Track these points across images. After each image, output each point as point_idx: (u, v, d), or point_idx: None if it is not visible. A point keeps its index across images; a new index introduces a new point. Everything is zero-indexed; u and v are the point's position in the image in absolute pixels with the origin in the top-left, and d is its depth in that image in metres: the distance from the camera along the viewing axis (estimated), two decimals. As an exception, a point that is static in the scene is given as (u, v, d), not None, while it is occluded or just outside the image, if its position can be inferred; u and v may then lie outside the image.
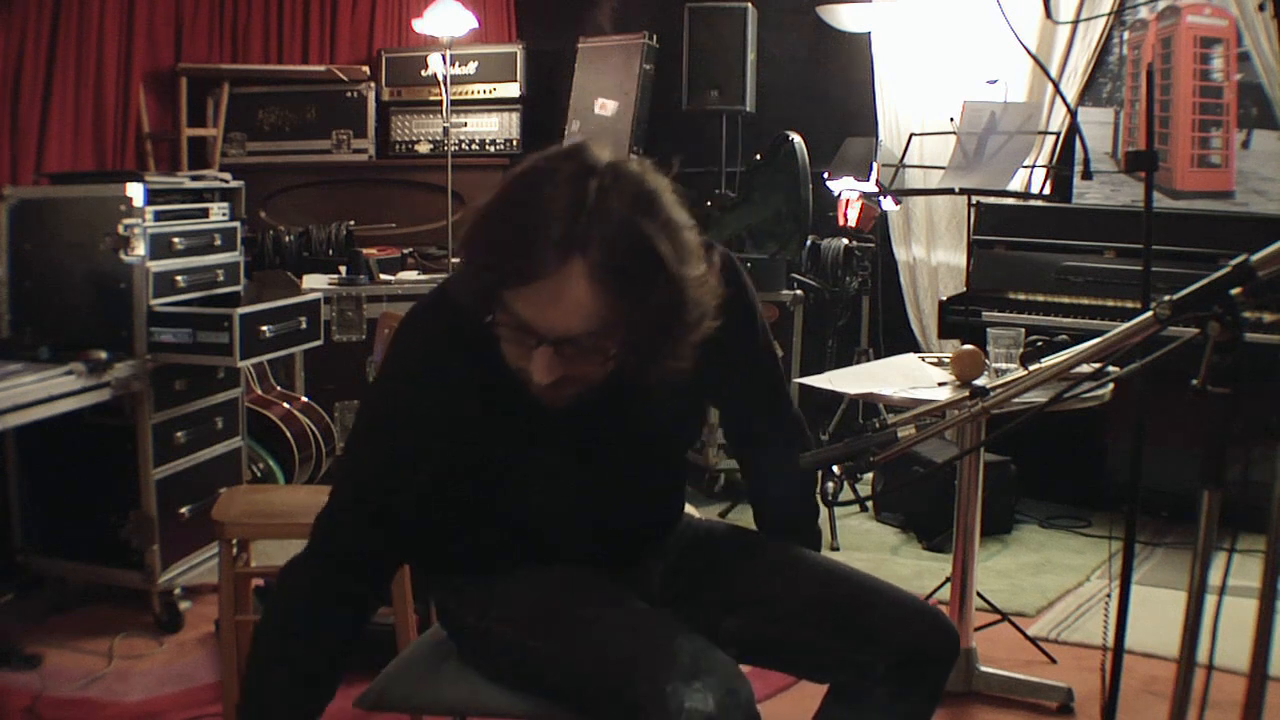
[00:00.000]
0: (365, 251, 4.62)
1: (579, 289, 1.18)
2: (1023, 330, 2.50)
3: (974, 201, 3.97)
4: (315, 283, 4.27)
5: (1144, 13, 4.20)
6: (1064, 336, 2.06)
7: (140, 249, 2.94)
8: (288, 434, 3.81)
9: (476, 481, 1.48)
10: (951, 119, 4.20)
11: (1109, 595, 2.36)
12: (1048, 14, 4.18)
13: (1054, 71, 4.33)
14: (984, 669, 2.65)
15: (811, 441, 1.73)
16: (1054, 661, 2.86)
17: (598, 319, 1.20)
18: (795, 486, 1.70)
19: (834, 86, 5.16)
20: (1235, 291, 1.33)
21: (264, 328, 3.15)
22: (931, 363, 2.76)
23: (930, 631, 1.51)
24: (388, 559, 1.45)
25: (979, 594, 2.90)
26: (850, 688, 1.52)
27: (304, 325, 3.38)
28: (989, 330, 2.55)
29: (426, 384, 1.38)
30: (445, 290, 1.38)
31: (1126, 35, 4.30)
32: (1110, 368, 1.64)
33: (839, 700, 1.55)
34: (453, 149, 5.08)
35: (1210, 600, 1.41)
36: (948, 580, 2.74)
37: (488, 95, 5.51)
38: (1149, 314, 1.44)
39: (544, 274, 1.17)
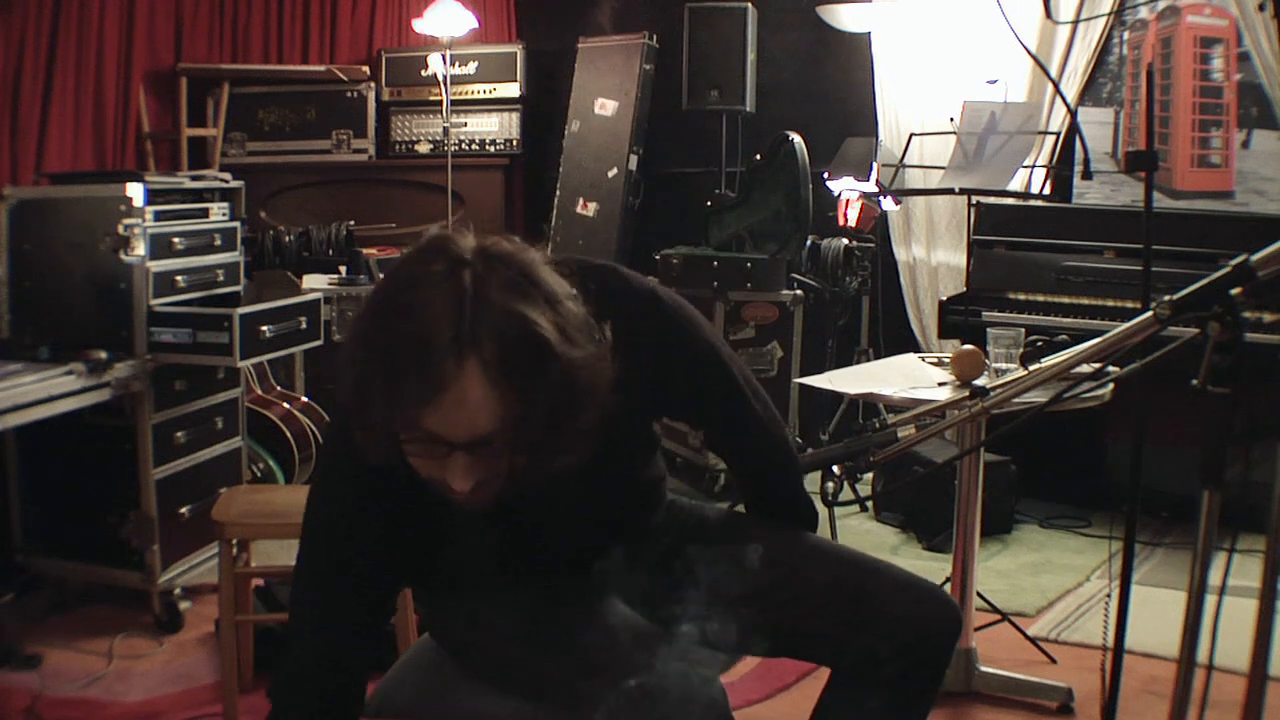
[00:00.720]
0: (365, 251, 4.63)
1: (479, 389, 1.14)
2: (1023, 330, 2.49)
3: (974, 201, 3.97)
4: (315, 283, 4.27)
5: (1144, 13, 4.20)
6: (1064, 336, 2.06)
7: (140, 249, 2.94)
8: (288, 434, 3.81)
9: (436, 555, 1.48)
10: (951, 119, 4.20)
11: (1109, 595, 2.36)
12: (1048, 14, 4.18)
13: (1054, 71, 4.33)
14: (984, 669, 2.65)
15: (782, 421, 1.71)
16: (1054, 661, 2.86)
17: (502, 414, 1.16)
18: (780, 468, 1.70)
19: (834, 86, 5.16)
20: (1235, 291, 1.34)
21: (264, 328, 3.15)
22: (931, 363, 2.76)
23: (933, 613, 1.51)
24: (367, 644, 1.43)
25: (979, 594, 2.90)
26: (854, 671, 1.52)
27: (304, 325, 3.38)
28: (989, 330, 2.55)
29: (357, 498, 1.36)
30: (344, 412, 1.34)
31: (1126, 35, 4.30)
32: (1110, 368, 1.65)
33: (843, 684, 1.55)
34: (453, 149, 5.09)
35: (1210, 600, 1.42)
36: (948, 580, 2.74)
37: (488, 95, 5.51)
38: (1149, 314, 1.44)
39: (446, 385, 1.13)
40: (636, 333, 1.32)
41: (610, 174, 5.27)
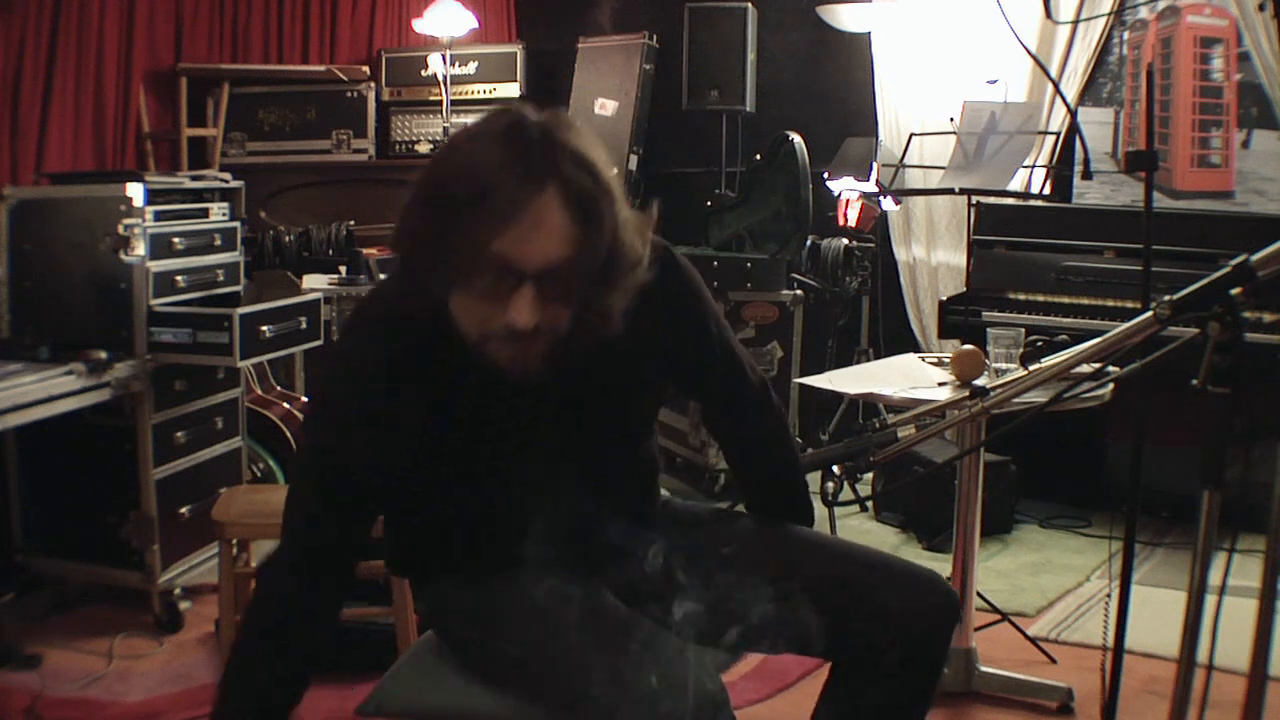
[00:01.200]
0: (365, 251, 4.62)
1: (555, 213, 1.25)
2: (1023, 330, 2.49)
3: (974, 201, 3.97)
4: (315, 283, 4.27)
5: (1144, 13, 4.20)
6: (1064, 336, 2.07)
7: (140, 249, 2.94)
8: (288, 434, 3.81)
9: (434, 476, 1.49)
10: (951, 119, 4.20)
11: (1109, 595, 2.36)
12: (1048, 14, 4.18)
13: (1054, 71, 4.33)
14: (984, 669, 2.65)
15: (781, 407, 1.73)
16: (1054, 661, 2.86)
17: (572, 243, 1.26)
18: (777, 461, 1.71)
19: (834, 86, 5.16)
20: (1235, 291, 1.34)
21: (264, 328, 3.15)
22: (931, 363, 2.76)
23: (932, 602, 1.52)
24: (351, 548, 1.46)
25: (979, 594, 2.90)
26: (854, 663, 1.52)
27: (304, 325, 3.38)
28: (989, 330, 2.55)
29: (372, 379, 1.40)
30: (381, 292, 1.45)
31: (1126, 35, 4.30)
32: (1110, 368, 1.65)
33: (845, 677, 1.55)
34: (453, 149, 5.08)
35: (1210, 600, 1.42)
36: (948, 580, 2.74)
37: (488, 95, 5.51)
38: (1149, 314, 1.44)
39: (526, 206, 1.23)
40: (651, 284, 1.38)
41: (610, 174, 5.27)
